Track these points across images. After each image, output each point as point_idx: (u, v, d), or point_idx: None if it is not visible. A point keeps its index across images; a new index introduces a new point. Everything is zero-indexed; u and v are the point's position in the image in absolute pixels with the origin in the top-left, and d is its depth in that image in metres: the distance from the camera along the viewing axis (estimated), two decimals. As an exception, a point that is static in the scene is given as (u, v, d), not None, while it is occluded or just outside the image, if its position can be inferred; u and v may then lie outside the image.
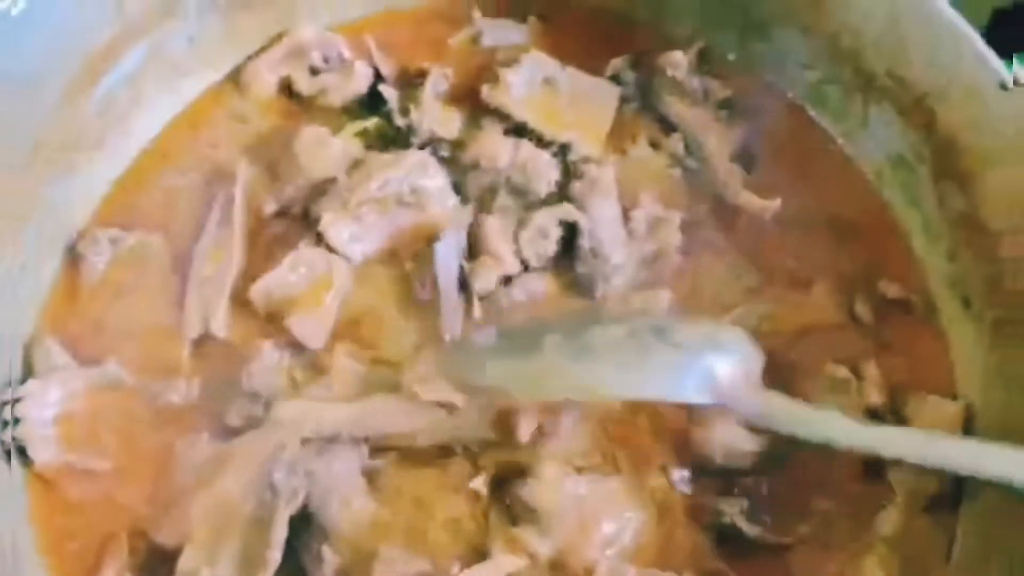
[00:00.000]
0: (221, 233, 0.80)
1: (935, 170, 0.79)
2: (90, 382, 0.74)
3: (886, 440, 0.66)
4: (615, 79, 0.88)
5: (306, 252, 0.78)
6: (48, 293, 0.79)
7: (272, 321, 0.76)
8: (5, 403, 0.71)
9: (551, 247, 0.79)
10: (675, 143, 0.85)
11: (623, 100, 0.87)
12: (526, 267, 0.80)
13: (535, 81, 0.86)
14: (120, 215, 0.82)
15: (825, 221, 0.83)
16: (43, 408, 0.72)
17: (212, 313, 0.76)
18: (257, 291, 0.76)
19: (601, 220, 0.80)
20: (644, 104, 0.88)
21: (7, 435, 0.71)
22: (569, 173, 0.83)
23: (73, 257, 0.80)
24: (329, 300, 0.77)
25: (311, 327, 0.76)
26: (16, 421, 0.71)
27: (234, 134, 0.86)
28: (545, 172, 0.82)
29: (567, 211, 0.80)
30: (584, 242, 0.79)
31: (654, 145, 0.86)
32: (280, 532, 0.66)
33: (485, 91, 0.85)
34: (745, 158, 0.85)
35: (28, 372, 0.75)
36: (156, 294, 0.79)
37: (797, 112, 0.87)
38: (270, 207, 0.81)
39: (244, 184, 0.81)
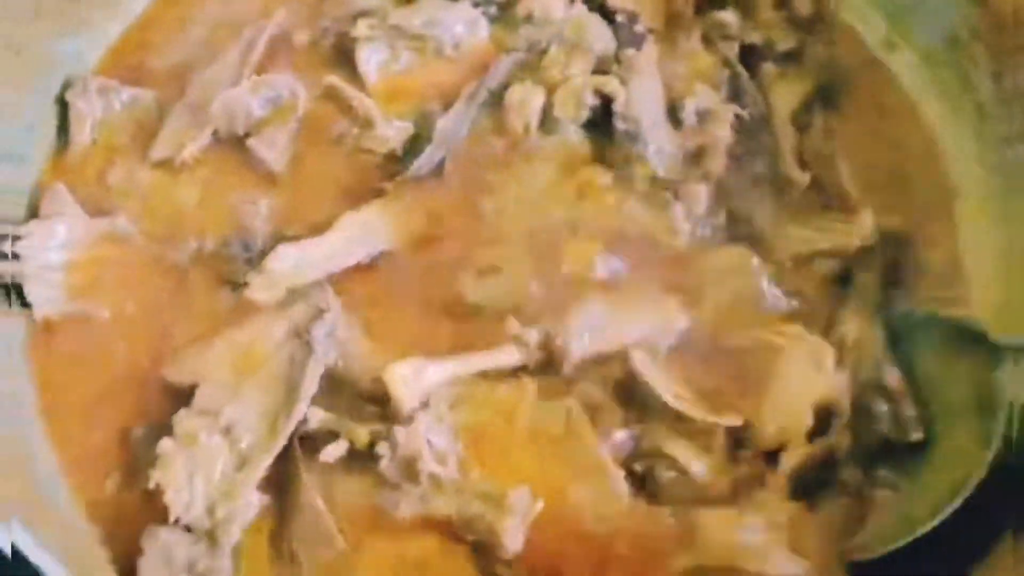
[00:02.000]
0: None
1: (991, 46, 0.75)
2: (97, 231, 0.72)
3: None
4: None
5: (269, 77, 0.76)
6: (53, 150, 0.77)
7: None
8: (5, 237, 0.69)
9: (583, 113, 0.76)
10: (728, 48, 0.80)
11: None
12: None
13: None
14: (122, 71, 0.80)
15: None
16: (44, 250, 0.70)
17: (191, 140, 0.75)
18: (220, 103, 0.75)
19: (639, 99, 0.76)
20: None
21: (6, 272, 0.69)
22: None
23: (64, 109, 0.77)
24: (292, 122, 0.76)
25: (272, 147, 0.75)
26: (16, 258, 0.69)
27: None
28: (598, 30, 0.79)
29: (604, 81, 0.76)
30: (619, 121, 0.75)
31: (708, 42, 0.81)
32: (311, 385, 0.64)
33: None
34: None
35: (33, 216, 0.73)
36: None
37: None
38: (301, 36, 0.80)
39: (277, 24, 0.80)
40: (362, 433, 0.62)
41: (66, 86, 0.78)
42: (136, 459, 0.63)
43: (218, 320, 0.69)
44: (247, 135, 0.76)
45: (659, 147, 0.75)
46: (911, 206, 0.75)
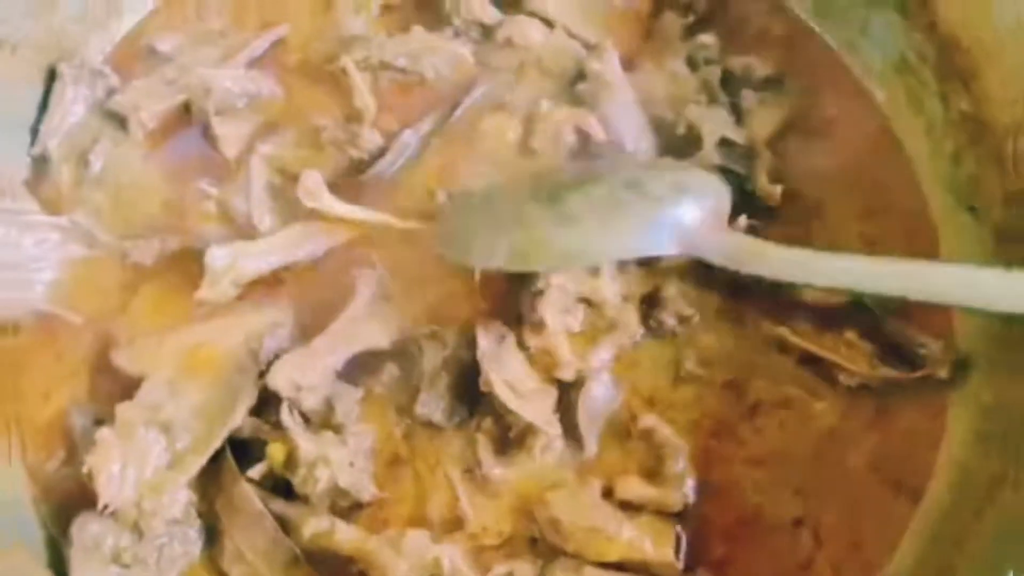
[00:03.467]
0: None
1: (939, 70, 0.76)
2: (59, 232, 0.73)
3: (864, 274, 0.63)
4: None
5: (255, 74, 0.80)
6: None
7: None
8: None
9: (565, 146, 0.78)
10: (711, 73, 0.82)
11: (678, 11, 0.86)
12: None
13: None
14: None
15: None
16: (9, 250, 0.71)
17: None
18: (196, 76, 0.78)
19: (616, 118, 0.79)
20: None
21: None
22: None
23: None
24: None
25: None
26: None
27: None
28: (576, 55, 0.82)
29: (581, 116, 0.78)
30: (603, 149, 0.78)
31: (692, 66, 0.83)
32: (250, 397, 0.64)
33: None
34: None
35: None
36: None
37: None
38: (292, 55, 0.83)
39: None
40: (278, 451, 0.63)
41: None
42: (75, 442, 0.63)
43: (182, 318, 0.70)
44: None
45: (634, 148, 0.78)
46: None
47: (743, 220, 0.73)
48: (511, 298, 0.70)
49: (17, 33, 0.76)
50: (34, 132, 0.79)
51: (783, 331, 0.71)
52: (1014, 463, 0.62)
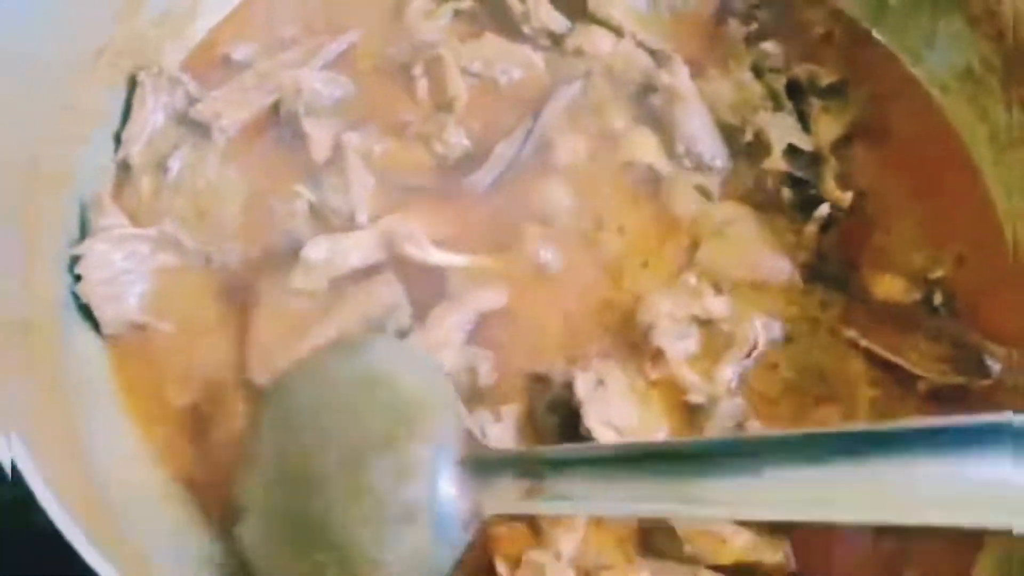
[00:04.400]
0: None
1: (1006, 79, 0.79)
2: (149, 244, 0.73)
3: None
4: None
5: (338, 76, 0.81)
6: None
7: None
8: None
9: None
10: (776, 80, 0.84)
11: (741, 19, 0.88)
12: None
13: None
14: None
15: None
16: (103, 267, 0.71)
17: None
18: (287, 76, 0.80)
19: (691, 127, 0.80)
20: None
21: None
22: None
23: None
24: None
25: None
26: (78, 279, 0.70)
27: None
28: (643, 66, 0.83)
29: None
30: (684, 160, 0.80)
31: (756, 73, 0.85)
32: None
33: (592, 1, 0.86)
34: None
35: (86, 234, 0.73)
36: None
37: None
38: (366, 62, 0.83)
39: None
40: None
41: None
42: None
43: (296, 319, 0.70)
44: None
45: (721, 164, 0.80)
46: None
47: (824, 209, 0.75)
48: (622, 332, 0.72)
49: (102, 38, 0.77)
50: (117, 139, 0.79)
51: (852, 334, 0.74)
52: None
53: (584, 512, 0.59)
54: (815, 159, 0.81)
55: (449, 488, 0.55)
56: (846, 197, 0.78)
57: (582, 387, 0.65)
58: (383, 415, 0.57)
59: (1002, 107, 0.79)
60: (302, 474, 0.56)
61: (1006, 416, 0.47)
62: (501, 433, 0.64)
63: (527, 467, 0.54)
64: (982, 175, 0.81)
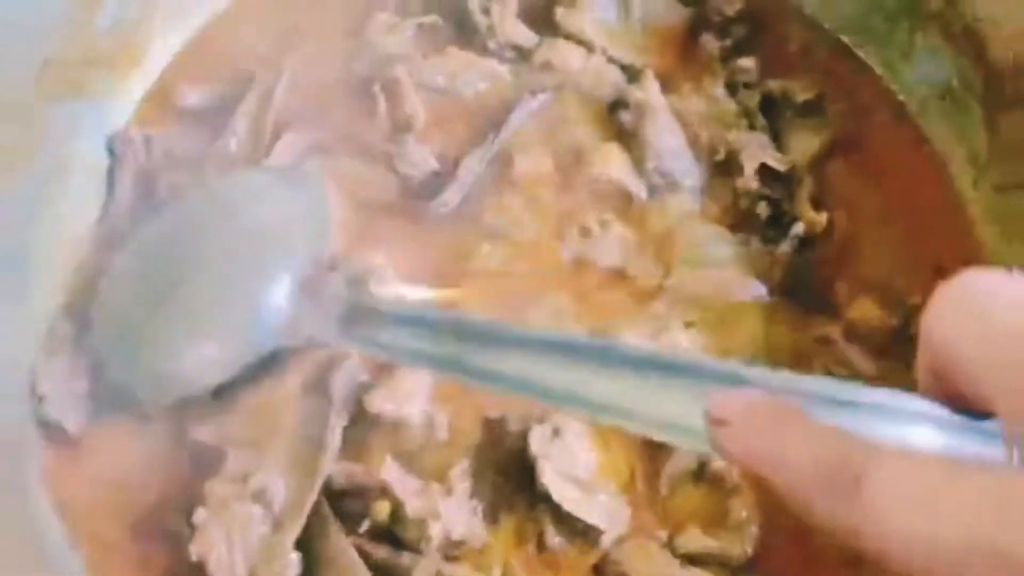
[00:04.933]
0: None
1: (985, 98, 0.77)
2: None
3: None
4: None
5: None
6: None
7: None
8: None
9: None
10: (750, 98, 0.82)
11: (715, 33, 0.85)
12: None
13: (610, 5, 0.85)
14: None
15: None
16: (63, 381, 0.66)
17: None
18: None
19: (662, 144, 0.78)
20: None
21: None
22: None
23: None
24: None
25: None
26: (40, 400, 0.66)
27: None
28: (614, 81, 0.81)
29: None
30: (654, 176, 0.78)
31: (731, 90, 0.83)
32: (334, 441, 0.63)
33: (560, 13, 0.83)
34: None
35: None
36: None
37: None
38: (328, 74, 0.81)
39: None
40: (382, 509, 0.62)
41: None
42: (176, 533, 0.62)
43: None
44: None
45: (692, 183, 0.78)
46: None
47: (798, 228, 0.74)
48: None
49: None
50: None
51: (825, 361, 0.72)
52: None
53: (387, 360, 0.64)
54: (789, 178, 0.79)
55: (282, 297, 0.62)
56: (820, 219, 0.76)
57: (536, 442, 0.63)
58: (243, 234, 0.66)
59: (981, 127, 0.77)
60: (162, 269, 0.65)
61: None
62: (456, 509, 0.62)
63: (356, 311, 0.60)
64: (962, 195, 0.79)
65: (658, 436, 0.49)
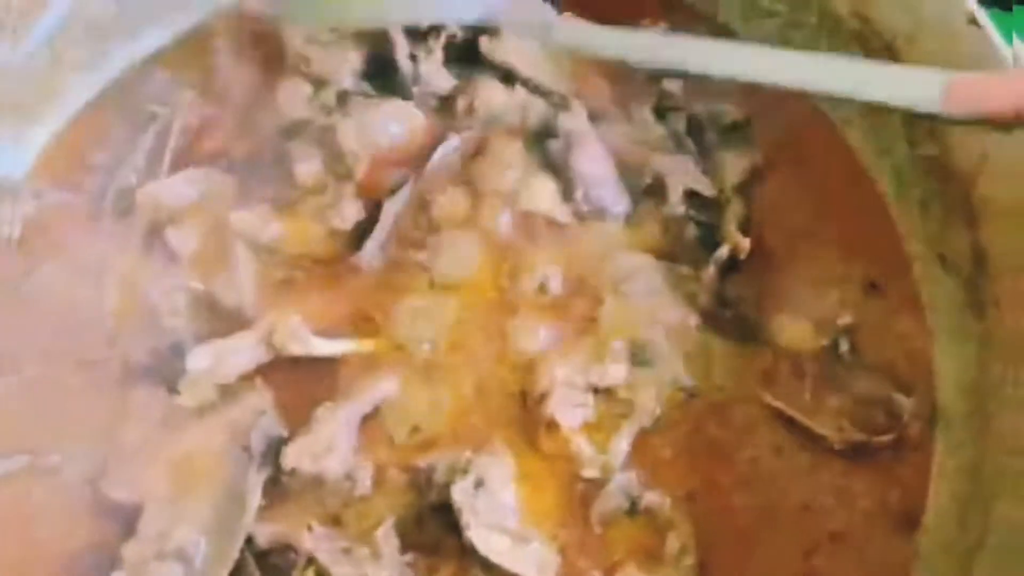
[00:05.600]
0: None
1: (906, 115, 0.75)
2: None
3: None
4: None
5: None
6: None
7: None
8: None
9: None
10: (677, 121, 0.82)
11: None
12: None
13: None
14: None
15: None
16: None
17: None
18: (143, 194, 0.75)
19: (587, 171, 0.77)
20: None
21: None
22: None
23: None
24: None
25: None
26: None
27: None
28: (541, 112, 0.81)
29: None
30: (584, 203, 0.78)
31: (659, 115, 0.83)
32: (254, 498, 0.63)
33: (484, 43, 0.82)
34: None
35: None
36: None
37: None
38: (240, 147, 0.79)
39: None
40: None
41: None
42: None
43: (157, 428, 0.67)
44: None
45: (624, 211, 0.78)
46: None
47: (724, 251, 0.74)
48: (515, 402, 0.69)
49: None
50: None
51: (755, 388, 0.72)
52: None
53: None
54: (717, 202, 0.78)
55: None
56: (745, 243, 0.75)
57: (459, 495, 0.63)
58: None
59: (903, 143, 0.77)
60: None
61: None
62: (386, 573, 0.61)
63: None
64: (889, 209, 0.79)
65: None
